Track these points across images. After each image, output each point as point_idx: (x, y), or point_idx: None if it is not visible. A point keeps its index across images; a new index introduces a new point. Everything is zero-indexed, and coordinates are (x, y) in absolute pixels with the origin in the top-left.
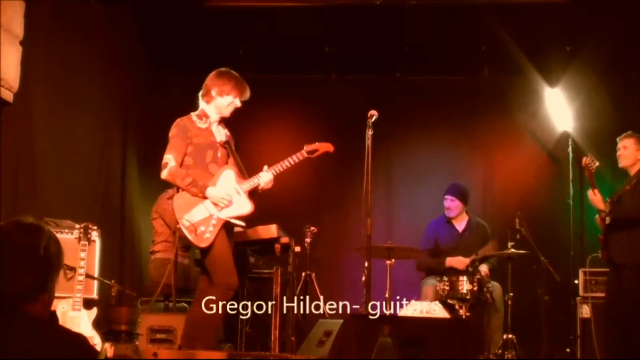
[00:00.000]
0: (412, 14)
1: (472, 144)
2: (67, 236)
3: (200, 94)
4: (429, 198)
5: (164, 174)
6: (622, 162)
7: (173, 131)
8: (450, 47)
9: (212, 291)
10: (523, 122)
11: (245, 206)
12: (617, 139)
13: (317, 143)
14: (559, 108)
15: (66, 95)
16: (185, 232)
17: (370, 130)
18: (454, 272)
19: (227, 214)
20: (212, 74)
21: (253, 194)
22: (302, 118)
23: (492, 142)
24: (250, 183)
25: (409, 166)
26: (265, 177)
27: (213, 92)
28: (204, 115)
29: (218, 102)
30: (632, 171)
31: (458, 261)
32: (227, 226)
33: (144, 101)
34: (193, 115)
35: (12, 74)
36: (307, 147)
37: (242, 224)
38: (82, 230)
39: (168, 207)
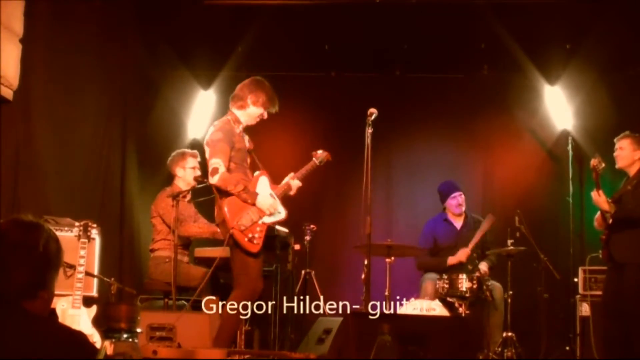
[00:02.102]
0: (411, 11)
1: (471, 142)
2: (66, 234)
3: (232, 99)
4: (428, 196)
5: (214, 180)
6: (619, 163)
7: (218, 135)
8: (449, 45)
9: (236, 293)
10: (523, 120)
11: (282, 212)
12: (615, 140)
13: (319, 151)
14: (558, 106)
15: (66, 92)
16: (238, 237)
17: (369, 128)
18: (454, 270)
19: (269, 220)
20: (248, 81)
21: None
22: (302, 116)
23: (491, 141)
24: (282, 189)
25: (409, 164)
26: (296, 185)
27: (249, 99)
28: (236, 121)
29: (250, 110)
30: (632, 171)
31: (459, 255)
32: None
33: (143, 99)
34: (230, 119)
35: (12, 71)
36: (316, 157)
37: (286, 230)
38: (81, 228)
39: (167, 205)
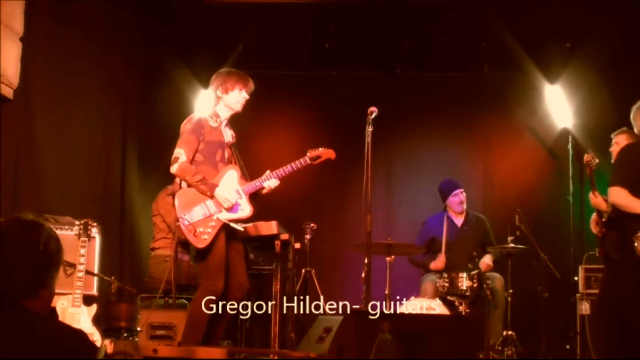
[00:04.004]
0: (412, 10)
1: (472, 141)
2: (67, 232)
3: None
4: (428, 194)
5: (173, 169)
6: (614, 158)
7: (186, 126)
8: (450, 43)
9: (197, 292)
10: (523, 119)
11: (245, 209)
12: (612, 135)
13: (320, 149)
14: (558, 105)
15: (66, 91)
16: (184, 231)
17: (370, 127)
18: (454, 269)
19: (226, 216)
20: (213, 77)
21: (254, 196)
22: (302, 115)
23: (492, 139)
24: (252, 186)
25: (409, 163)
26: (271, 183)
27: (218, 92)
28: (214, 115)
29: (226, 99)
30: None
31: (437, 263)
32: (229, 228)
33: (143, 97)
34: (208, 113)
35: (12, 70)
36: (310, 154)
37: (241, 228)
38: (82, 226)
39: (167, 204)
